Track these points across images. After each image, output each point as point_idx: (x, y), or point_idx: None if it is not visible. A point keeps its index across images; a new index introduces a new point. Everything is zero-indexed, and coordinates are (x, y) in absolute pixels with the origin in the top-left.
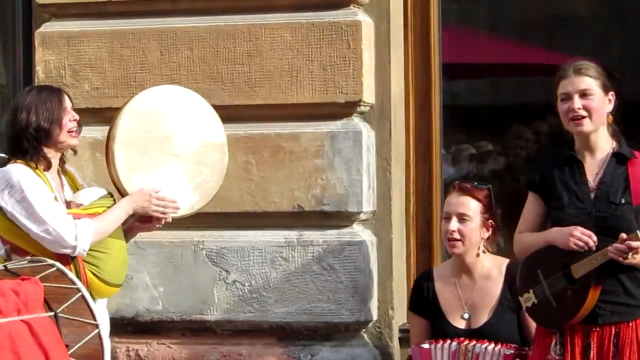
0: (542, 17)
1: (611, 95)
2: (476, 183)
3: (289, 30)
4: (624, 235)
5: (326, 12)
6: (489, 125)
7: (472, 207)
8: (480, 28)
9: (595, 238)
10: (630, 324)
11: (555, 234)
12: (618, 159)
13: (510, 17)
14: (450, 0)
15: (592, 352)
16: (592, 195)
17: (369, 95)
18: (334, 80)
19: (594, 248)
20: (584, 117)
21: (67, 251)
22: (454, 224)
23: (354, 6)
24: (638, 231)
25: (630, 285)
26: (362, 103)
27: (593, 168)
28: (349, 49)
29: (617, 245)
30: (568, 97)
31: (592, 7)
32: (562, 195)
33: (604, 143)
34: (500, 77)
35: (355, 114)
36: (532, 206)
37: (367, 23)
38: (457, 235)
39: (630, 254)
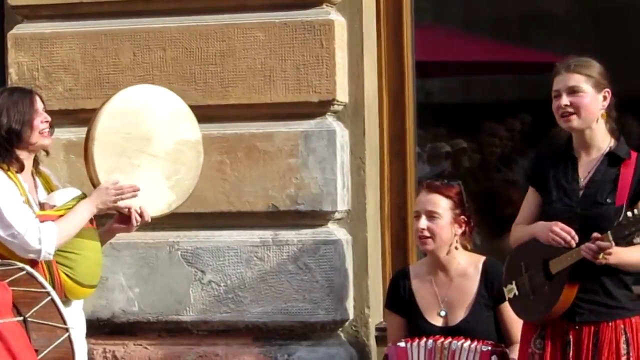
0: (515, 15)
1: (606, 92)
2: (446, 180)
3: (262, 29)
4: (596, 235)
5: (299, 11)
6: (463, 123)
7: (442, 204)
8: (453, 26)
9: (574, 234)
10: (610, 324)
11: (539, 228)
12: (612, 158)
13: (483, 15)
14: None
15: (570, 349)
16: (581, 193)
17: (342, 94)
18: (308, 79)
19: (574, 245)
20: (571, 113)
21: (33, 256)
22: (423, 222)
23: (327, 5)
24: (609, 232)
25: (611, 286)
26: (335, 102)
27: (587, 166)
28: (322, 48)
29: (589, 244)
30: (559, 95)
31: (566, 5)
32: (552, 191)
33: (599, 141)
34: (473, 75)
35: (329, 113)
36: (529, 199)
37: (339, 22)
38: (427, 233)
39: (602, 254)
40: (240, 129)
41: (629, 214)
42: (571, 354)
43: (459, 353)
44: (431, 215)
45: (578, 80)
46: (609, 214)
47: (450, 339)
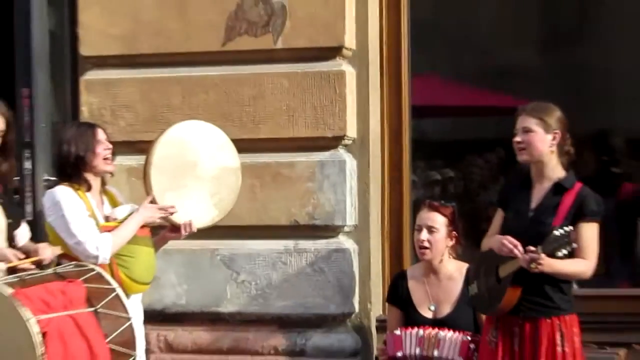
0: (495, 67)
1: (555, 133)
2: (443, 202)
3: (287, 77)
4: (529, 248)
5: (317, 63)
6: (450, 156)
7: (439, 220)
8: (443, 76)
9: (518, 246)
10: (548, 320)
11: (494, 240)
12: (557, 188)
13: (468, 66)
14: (418, 52)
15: (516, 339)
16: (530, 215)
17: (351, 130)
18: (323, 118)
19: (519, 256)
20: (523, 148)
21: (92, 260)
22: (424, 235)
23: (340, 58)
24: (540, 246)
25: (549, 289)
26: (346, 137)
27: (538, 193)
28: (335, 93)
29: (524, 255)
30: (516, 132)
31: (538, 59)
32: (510, 210)
33: (550, 173)
34: (459, 116)
35: (341, 146)
36: (497, 217)
37: (350, 72)
38: (426, 244)
39: (534, 263)
40: (268, 159)
41: (555, 232)
42: (517, 343)
43: (443, 341)
44: (431, 230)
45: (530, 122)
46: (548, 233)
47: (437, 330)
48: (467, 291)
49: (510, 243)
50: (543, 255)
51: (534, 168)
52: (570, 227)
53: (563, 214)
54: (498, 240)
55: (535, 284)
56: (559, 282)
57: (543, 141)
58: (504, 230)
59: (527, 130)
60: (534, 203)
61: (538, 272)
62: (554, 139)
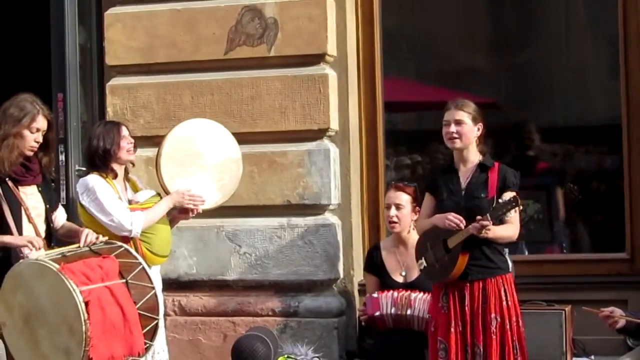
0: (453, 68)
1: (479, 125)
2: (406, 182)
3: (279, 80)
4: (478, 217)
5: (304, 68)
6: (418, 144)
7: (404, 198)
8: (410, 77)
9: (463, 220)
10: (492, 280)
11: (437, 218)
12: (482, 168)
13: (431, 68)
14: (390, 58)
15: (466, 300)
16: (463, 192)
17: (334, 124)
18: (310, 114)
19: (463, 227)
20: (456, 138)
21: (126, 234)
22: (392, 211)
23: (323, 64)
24: (488, 214)
25: (489, 253)
26: (329, 130)
27: (465, 174)
28: (320, 93)
29: (474, 224)
30: (448, 124)
31: (487, 63)
32: (443, 193)
33: (472, 157)
34: (424, 110)
35: (325, 137)
36: (427, 201)
37: (332, 75)
38: (395, 219)
39: (484, 230)
40: (264, 149)
41: (500, 200)
42: (467, 304)
43: (414, 301)
44: (398, 207)
45: (462, 115)
46: (483, 204)
47: (409, 292)
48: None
49: (455, 218)
50: (491, 222)
51: (459, 154)
52: (513, 193)
53: (494, 187)
54: (442, 217)
55: (478, 250)
56: (496, 245)
57: (472, 131)
58: (440, 210)
59: (459, 122)
60: (463, 182)
61: (483, 238)
62: (478, 129)
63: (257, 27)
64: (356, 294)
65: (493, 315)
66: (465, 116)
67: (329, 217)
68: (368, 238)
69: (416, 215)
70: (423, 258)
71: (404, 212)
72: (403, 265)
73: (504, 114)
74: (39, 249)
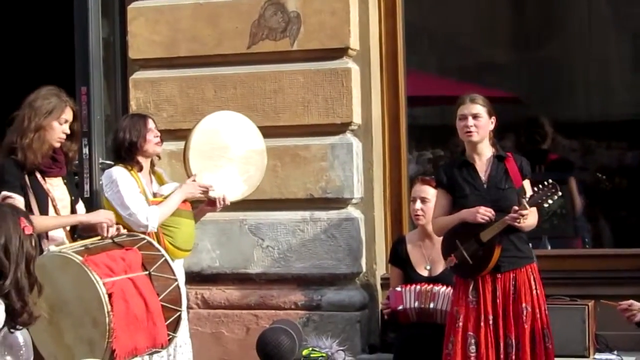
0: (474, 62)
1: (493, 119)
2: (432, 176)
3: (302, 74)
4: (515, 207)
5: (327, 61)
6: (440, 138)
7: (430, 192)
8: (432, 72)
9: (493, 213)
10: (522, 269)
11: (466, 214)
12: (498, 159)
13: (453, 63)
14: (412, 52)
15: (498, 292)
16: (485, 185)
17: (357, 118)
18: (333, 108)
19: (494, 220)
20: (473, 132)
21: (142, 229)
22: (418, 204)
23: (346, 57)
24: (525, 202)
25: (518, 243)
26: (352, 124)
27: (482, 167)
28: (342, 86)
29: (511, 214)
30: (464, 118)
31: (509, 57)
32: (464, 188)
33: (486, 150)
34: (445, 104)
35: (348, 131)
36: (441, 198)
37: (355, 69)
38: (420, 212)
39: (522, 219)
40: (287, 142)
41: (536, 188)
42: (499, 296)
43: (437, 295)
44: (424, 200)
45: (478, 109)
46: (509, 195)
47: (432, 285)
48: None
49: (487, 211)
50: (529, 210)
51: (474, 148)
52: (551, 180)
53: (517, 176)
54: (472, 212)
55: (508, 241)
56: (522, 234)
57: (487, 124)
58: (465, 205)
59: (476, 116)
60: (483, 176)
61: (518, 228)
62: (492, 122)
63: (280, 21)
64: (379, 287)
65: (524, 305)
66: (481, 110)
67: (352, 211)
68: (391, 232)
69: None
70: (452, 255)
71: (430, 205)
72: (428, 258)
73: (525, 108)
74: (113, 225)
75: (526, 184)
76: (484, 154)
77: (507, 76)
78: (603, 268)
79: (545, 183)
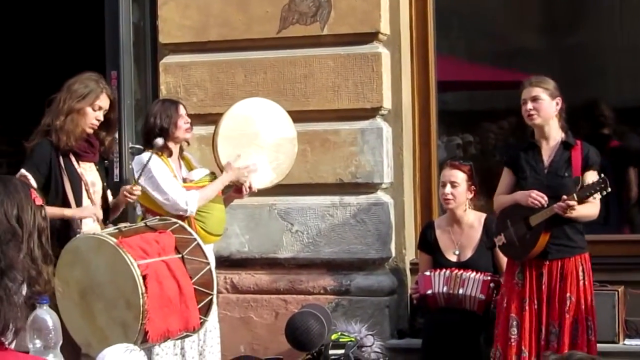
0: (506, 47)
1: (558, 100)
2: (462, 161)
3: (332, 59)
4: (564, 197)
5: (357, 46)
6: (470, 124)
7: (460, 176)
8: (463, 56)
9: (546, 198)
10: (571, 259)
11: (519, 195)
12: (565, 146)
13: (484, 47)
14: (442, 37)
15: (544, 279)
16: (546, 171)
17: (387, 103)
18: (364, 93)
19: (546, 205)
20: (534, 114)
21: (181, 212)
22: (448, 188)
23: (376, 42)
24: (574, 194)
25: (571, 232)
26: (382, 108)
27: (547, 152)
28: (372, 71)
29: (559, 203)
30: (525, 102)
31: (542, 42)
32: (525, 169)
33: (554, 134)
34: (476, 90)
35: (378, 116)
36: (506, 176)
37: (385, 54)
38: (450, 197)
39: (569, 209)
40: (317, 127)
41: (588, 181)
42: (545, 282)
43: (467, 280)
44: (453, 184)
45: (538, 91)
46: (567, 183)
47: (462, 271)
48: (490, 243)
49: (539, 195)
50: (577, 202)
51: (540, 131)
52: (602, 175)
53: (578, 166)
54: (525, 195)
55: (559, 229)
56: (577, 224)
57: (550, 106)
58: (523, 187)
59: (536, 99)
60: (546, 160)
61: (567, 218)
62: (557, 104)
63: (310, 6)
64: (408, 272)
65: (568, 294)
66: (540, 92)
67: (382, 196)
68: (420, 217)
69: (471, 194)
70: (502, 234)
71: (459, 190)
72: (457, 244)
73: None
74: (99, 221)
75: (590, 174)
76: (551, 138)
77: (538, 61)
78: (634, 254)
79: (596, 178)
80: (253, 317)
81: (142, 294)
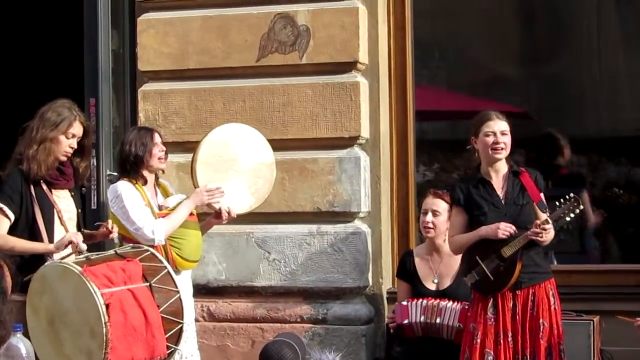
0: (483, 77)
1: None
2: (445, 190)
3: (311, 88)
4: (537, 222)
5: (336, 75)
6: (448, 153)
7: (442, 206)
8: (441, 86)
9: (514, 228)
10: (541, 285)
11: (486, 230)
12: (513, 174)
13: (462, 78)
14: (421, 67)
15: (517, 309)
16: (503, 202)
17: (365, 132)
18: (342, 122)
19: (515, 235)
20: (502, 149)
21: (150, 242)
22: (429, 217)
23: (355, 71)
24: (548, 217)
25: (537, 259)
26: (360, 137)
27: (498, 184)
28: (351, 100)
29: (533, 229)
30: (494, 134)
31: (519, 72)
32: (482, 205)
33: (503, 166)
34: (455, 119)
35: (356, 145)
36: (458, 216)
37: (363, 83)
38: (431, 225)
39: (544, 233)
40: (295, 156)
41: (557, 203)
42: (518, 312)
43: (444, 310)
44: (435, 213)
45: (506, 126)
46: (526, 210)
47: (439, 300)
48: (463, 282)
49: (507, 226)
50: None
51: (492, 165)
52: (572, 194)
53: (535, 190)
54: (493, 228)
55: (527, 257)
56: (541, 249)
57: (510, 142)
58: (482, 223)
59: (505, 133)
60: (500, 192)
61: (540, 243)
62: (510, 139)
63: (289, 35)
64: (385, 301)
65: (541, 320)
66: (507, 126)
67: (359, 225)
68: (398, 246)
69: None
70: (473, 272)
71: (441, 219)
72: (436, 272)
73: (535, 123)
74: (82, 242)
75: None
76: (501, 170)
77: (517, 91)
78: (610, 284)
79: (567, 197)
80: (230, 345)
81: (105, 322)
